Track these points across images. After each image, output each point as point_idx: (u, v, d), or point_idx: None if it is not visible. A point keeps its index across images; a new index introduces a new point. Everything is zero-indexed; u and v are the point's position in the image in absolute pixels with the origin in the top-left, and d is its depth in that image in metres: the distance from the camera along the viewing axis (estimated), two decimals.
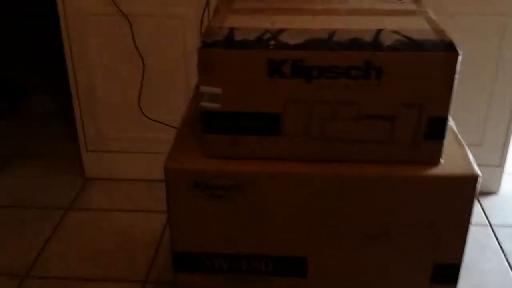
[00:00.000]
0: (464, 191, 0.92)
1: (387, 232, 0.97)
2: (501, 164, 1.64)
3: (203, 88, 0.91)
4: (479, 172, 0.91)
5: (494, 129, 1.61)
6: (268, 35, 0.90)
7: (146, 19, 1.56)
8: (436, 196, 0.93)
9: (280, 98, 0.91)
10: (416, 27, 0.93)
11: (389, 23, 0.94)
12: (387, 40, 0.87)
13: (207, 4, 1.51)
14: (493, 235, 1.51)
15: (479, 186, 0.92)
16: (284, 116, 0.92)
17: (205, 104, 0.92)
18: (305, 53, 0.87)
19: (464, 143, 1.00)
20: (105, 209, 1.67)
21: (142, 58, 1.60)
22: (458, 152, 0.97)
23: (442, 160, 0.94)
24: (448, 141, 0.95)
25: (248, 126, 0.94)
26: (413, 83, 0.87)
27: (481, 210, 1.61)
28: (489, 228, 1.54)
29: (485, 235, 1.51)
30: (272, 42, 0.88)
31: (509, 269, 1.38)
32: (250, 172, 0.95)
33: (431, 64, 0.86)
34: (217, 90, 0.91)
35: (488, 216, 1.58)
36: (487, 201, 1.65)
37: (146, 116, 1.66)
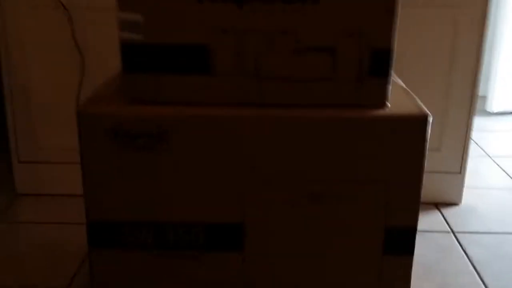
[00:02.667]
0: (414, 134, 0.82)
1: (333, 190, 0.86)
2: (461, 171, 1.55)
3: (122, 15, 0.82)
4: (428, 112, 0.82)
5: (453, 133, 1.53)
6: None
7: (87, 12, 1.49)
8: (385, 142, 0.83)
9: (208, 26, 0.82)
10: None
11: None
12: None
13: None
14: (456, 241, 1.39)
15: (429, 128, 0.82)
16: (213, 48, 0.83)
17: (125, 34, 0.82)
18: None
19: (411, 92, 0.91)
20: (33, 222, 1.50)
21: (81, 55, 1.51)
22: (405, 98, 0.88)
23: (389, 104, 0.85)
24: (394, 90, 0.88)
25: (174, 62, 0.84)
26: (351, 6, 0.80)
27: (442, 219, 1.50)
28: (452, 234, 1.42)
29: (448, 241, 1.39)
30: None
31: (474, 271, 1.26)
32: (175, 116, 0.84)
33: None
34: (138, 17, 0.81)
35: (451, 225, 1.47)
36: (449, 211, 1.54)
37: None
